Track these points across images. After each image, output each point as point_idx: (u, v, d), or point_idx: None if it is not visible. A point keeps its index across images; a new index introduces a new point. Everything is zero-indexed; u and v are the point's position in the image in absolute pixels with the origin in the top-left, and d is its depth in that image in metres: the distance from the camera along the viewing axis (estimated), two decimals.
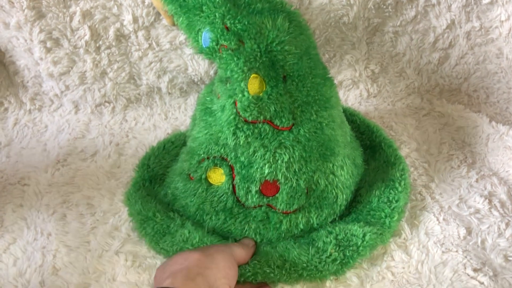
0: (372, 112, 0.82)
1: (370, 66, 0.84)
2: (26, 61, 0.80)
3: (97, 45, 0.78)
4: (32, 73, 0.81)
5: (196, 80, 0.83)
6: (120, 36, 0.78)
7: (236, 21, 0.48)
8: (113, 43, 0.78)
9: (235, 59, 0.48)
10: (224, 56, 0.49)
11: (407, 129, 0.77)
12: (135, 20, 0.76)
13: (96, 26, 0.76)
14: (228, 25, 0.48)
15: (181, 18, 0.52)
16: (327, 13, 0.75)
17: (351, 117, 0.71)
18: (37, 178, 0.70)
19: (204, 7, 0.49)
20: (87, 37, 0.76)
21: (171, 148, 0.70)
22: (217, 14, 0.48)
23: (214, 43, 0.49)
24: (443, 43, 0.81)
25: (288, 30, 0.51)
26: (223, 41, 0.48)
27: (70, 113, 0.84)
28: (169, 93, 0.84)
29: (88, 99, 0.83)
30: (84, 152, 0.76)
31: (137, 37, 0.78)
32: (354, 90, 0.85)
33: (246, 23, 0.48)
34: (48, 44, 0.76)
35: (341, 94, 0.85)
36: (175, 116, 0.84)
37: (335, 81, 0.83)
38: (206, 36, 0.50)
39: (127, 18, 0.75)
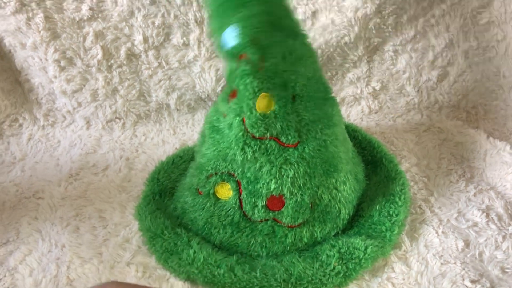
0: (374, 128, 0.84)
1: (371, 83, 0.87)
2: (40, 79, 0.84)
3: (109, 64, 0.81)
4: (46, 91, 0.85)
5: (203, 97, 0.86)
6: (131, 55, 0.81)
7: (267, 36, 0.50)
8: (124, 62, 0.81)
9: (251, 77, 0.50)
10: (242, 67, 0.50)
11: (408, 144, 0.79)
12: (145, 40, 0.79)
13: (108, 46, 0.79)
14: (258, 37, 0.49)
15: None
16: (329, 33, 0.79)
17: (353, 133, 0.74)
18: (50, 192, 0.72)
19: (242, 9, 0.49)
20: (99, 56, 0.80)
21: (180, 162, 0.72)
22: (252, 22, 0.49)
23: (238, 49, 0.50)
24: (442, 61, 0.84)
25: (302, 52, 0.53)
26: (248, 52, 0.49)
27: (82, 128, 0.87)
28: (178, 110, 0.88)
29: (100, 115, 0.86)
30: (95, 166, 0.78)
31: (147, 56, 0.81)
32: (356, 106, 0.88)
33: (273, 41, 0.50)
34: (62, 63, 0.80)
35: (344, 110, 0.88)
36: (183, 132, 0.87)
37: (338, 98, 0.87)
38: (230, 35, 0.50)
39: (138, 38, 0.79)
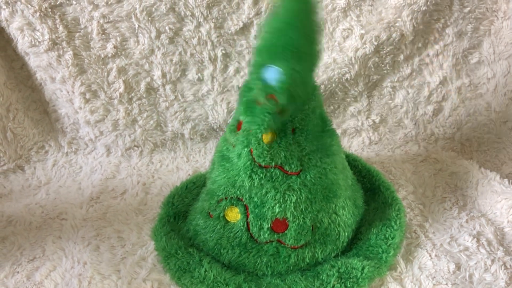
0: (374, 158, 0.89)
1: (371, 116, 0.93)
2: (67, 110, 0.91)
3: (130, 96, 0.88)
4: (71, 120, 0.92)
5: (215, 127, 0.92)
6: (150, 89, 0.88)
7: (298, 92, 0.55)
8: (144, 95, 0.88)
9: (271, 116, 0.54)
10: (266, 105, 0.54)
11: (405, 173, 0.83)
12: (163, 75, 0.87)
13: (130, 80, 0.87)
14: (294, 90, 0.54)
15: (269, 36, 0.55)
16: (332, 71, 0.85)
17: (354, 162, 0.79)
18: (73, 214, 0.77)
19: (292, 62, 0.53)
20: (121, 90, 0.87)
21: (193, 188, 0.77)
22: (295, 77, 0.54)
23: (276, 89, 0.53)
24: (437, 96, 0.89)
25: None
26: (279, 96, 0.53)
27: (102, 155, 0.93)
28: (191, 139, 0.94)
29: (119, 144, 0.92)
30: (114, 191, 0.84)
31: (165, 90, 0.88)
32: (357, 137, 0.94)
33: (300, 96, 0.56)
34: (87, 96, 0.87)
35: (346, 141, 0.94)
36: (196, 159, 0.92)
37: (340, 130, 0.93)
38: (275, 73, 0.53)
39: (157, 73, 0.86)
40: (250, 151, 0.58)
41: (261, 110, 0.54)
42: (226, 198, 0.62)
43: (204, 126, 0.93)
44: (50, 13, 0.80)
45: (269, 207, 0.59)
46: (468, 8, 0.81)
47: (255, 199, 0.60)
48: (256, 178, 0.59)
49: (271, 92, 0.53)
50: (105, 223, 0.75)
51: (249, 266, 0.62)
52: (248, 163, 0.58)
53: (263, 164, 0.58)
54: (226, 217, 0.62)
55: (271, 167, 0.59)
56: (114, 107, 0.89)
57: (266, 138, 0.58)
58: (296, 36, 0.53)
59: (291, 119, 0.59)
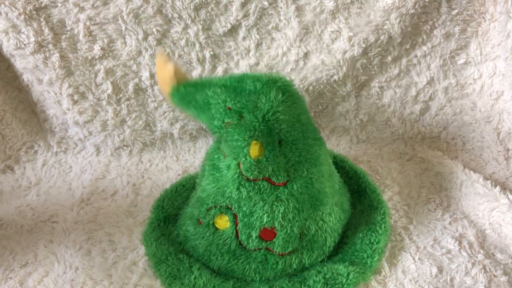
0: (361, 156, 0.90)
1: (359, 115, 0.94)
2: (55, 111, 0.90)
3: (118, 97, 0.88)
4: (60, 121, 0.92)
5: (204, 127, 0.93)
6: (138, 90, 0.88)
7: (236, 101, 0.58)
8: (132, 96, 0.88)
9: (237, 130, 0.58)
10: (229, 130, 0.58)
11: (391, 173, 0.85)
12: (151, 76, 0.86)
13: (118, 81, 0.86)
14: (230, 106, 0.58)
15: (197, 114, 0.63)
16: (320, 72, 0.85)
17: (341, 163, 0.80)
18: (64, 216, 0.78)
19: (210, 100, 0.60)
20: (109, 91, 0.87)
21: (183, 191, 0.78)
22: (220, 100, 0.59)
23: (220, 122, 0.59)
24: (424, 96, 0.90)
25: (282, 101, 0.60)
26: (227, 119, 0.58)
27: (92, 155, 0.94)
28: (180, 138, 0.94)
29: (109, 143, 0.93)
30: (105, 192, 0.84)
31: (153, 90, 0.88)
32: (345, 136, 0.95)
33: (244, 101, 0.58)
34: (75, 97, 0.87)
35: (334, 139, 0.95)
36: (185, 158, 0.93)
37: (328, 128, 0.94)
38: (212, 120, 0.60)
39: (145, 74, 0.86)
40: (238, 164, 0.59)
41: (233, 132, 0.58)
42: (215, 207, 0.63)
43: (193, 126, 0.93)
44: (35, 15, 0.79)
45: (257, 217, 0.60)
46: (456, 10, 0.82)
47: (244, 209, 0.61)
48: (244, 191, 0.60)
49: (223, 126, 0.60)
50: (96, 226, 0.76)
51: (238, 273, 0.64)
52: (236, 176, 0.59)
53: (251, 177, 0.59)
54: (216, 225, 0.64)
55: (259, 180, 0.60)
56: (103, 108, 0.89)
57: (254, 152, 0.59)
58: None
59: (277, 131, 0.60)
